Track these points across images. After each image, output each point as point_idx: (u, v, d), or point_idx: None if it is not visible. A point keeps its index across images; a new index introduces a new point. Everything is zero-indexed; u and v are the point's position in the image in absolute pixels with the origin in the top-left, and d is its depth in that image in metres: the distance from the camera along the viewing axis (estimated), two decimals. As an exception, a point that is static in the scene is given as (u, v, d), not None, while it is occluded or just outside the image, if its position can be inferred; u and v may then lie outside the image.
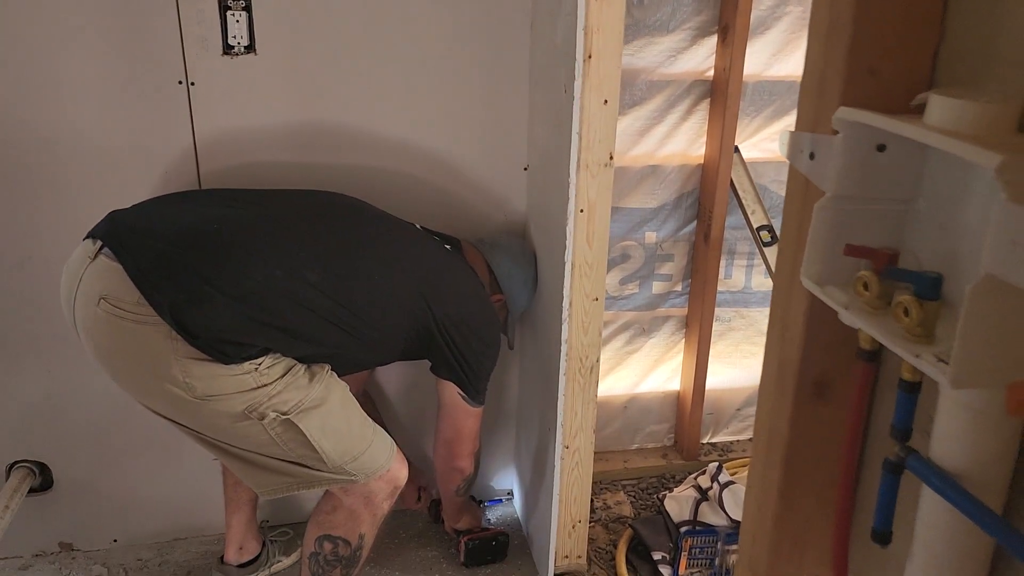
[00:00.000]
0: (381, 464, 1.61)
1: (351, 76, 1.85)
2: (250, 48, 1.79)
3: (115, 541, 2.12)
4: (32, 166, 1.77)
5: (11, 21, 1.66)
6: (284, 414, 1.45)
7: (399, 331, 1.64)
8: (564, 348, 1.79)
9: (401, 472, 1.66)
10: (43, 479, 2.02)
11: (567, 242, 1.71)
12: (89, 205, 1.65)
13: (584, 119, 1.66)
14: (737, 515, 2.07)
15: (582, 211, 1.74)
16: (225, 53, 1.78)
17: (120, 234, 1.44)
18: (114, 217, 1.50)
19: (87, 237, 1.48)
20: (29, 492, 1.98)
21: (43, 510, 2.04)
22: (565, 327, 1.77)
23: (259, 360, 1.43)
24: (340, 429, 1.54)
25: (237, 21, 1.76)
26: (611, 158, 1.71)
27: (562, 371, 1.81)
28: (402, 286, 1.62)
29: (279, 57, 1.80)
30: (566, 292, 1.75)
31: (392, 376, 2.15)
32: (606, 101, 1.67)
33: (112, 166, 1.79)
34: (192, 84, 1.79)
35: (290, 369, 1.48)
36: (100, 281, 1.40)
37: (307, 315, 1.48)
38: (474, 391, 1.80)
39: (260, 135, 1.85)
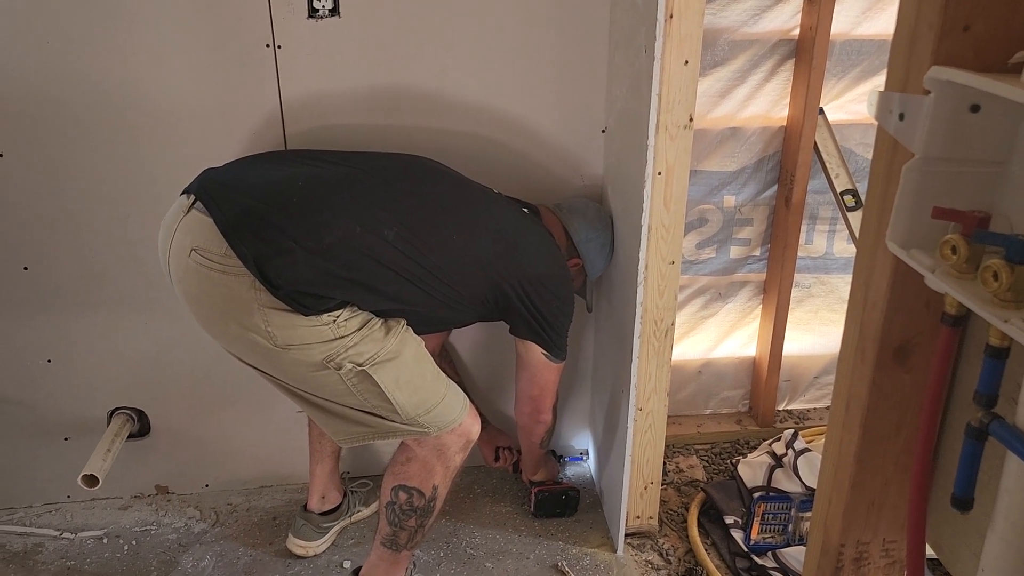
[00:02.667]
0: (453, 418, 1.65)
1: (431, 39, 1.87)
2: (334, 11, 1.82)
3: (207, 486, 2.24)
4: (132, 126, 1.85)
5: (110, -12, 1.74)
6: (360, 365, 1.50)
7: (476, 291, 1.67)
8: (639, 311, 1.79)
9: (473, 427, 1.70)
10: (141, 425, 2.14)
11: (644, 205, 1.70)
12: (184, 164, 1.71)
13: (664, 80, 1.65)
14: (812, 482, 2.05)
15: (660, 174, 1.73)
16: (310, 16, 1.82)
17: (211, 190, 1.50)
18: (207, 174, 1.57)
19: (183, 193, 1.55)
20: (128, 437, 2.10)
21: (141, 455, 2.16)
22: (640, 290, 1.77)
23: (337, 312, 1.49)
24: (413, 382, 1.59)
25: (322, -16, 1.80)
26: (691, 120, 1.69)
27: (636, 334, 1.81)
28: (479, 247, 1.65)
29: (362, 20, 1.83)
30: (642, 255, 1.74)
31: (466, 337, 2.19)
32: (687, 62, 1.65)
33: (204, 126, 1.86)
34: (279, 47, 1.83)
35: (367, 322, 1.53)
36: (192, 233, 1.47)
37: (384, 271, 1.52)
38: (555, 347, 1.83)
39: (343, 98, 1.89)
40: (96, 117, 1.83)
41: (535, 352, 1.82)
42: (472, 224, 1.66)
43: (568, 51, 1.93)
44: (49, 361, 2.04)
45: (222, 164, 1.64)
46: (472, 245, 1.64)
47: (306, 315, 1.45)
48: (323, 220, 1.48)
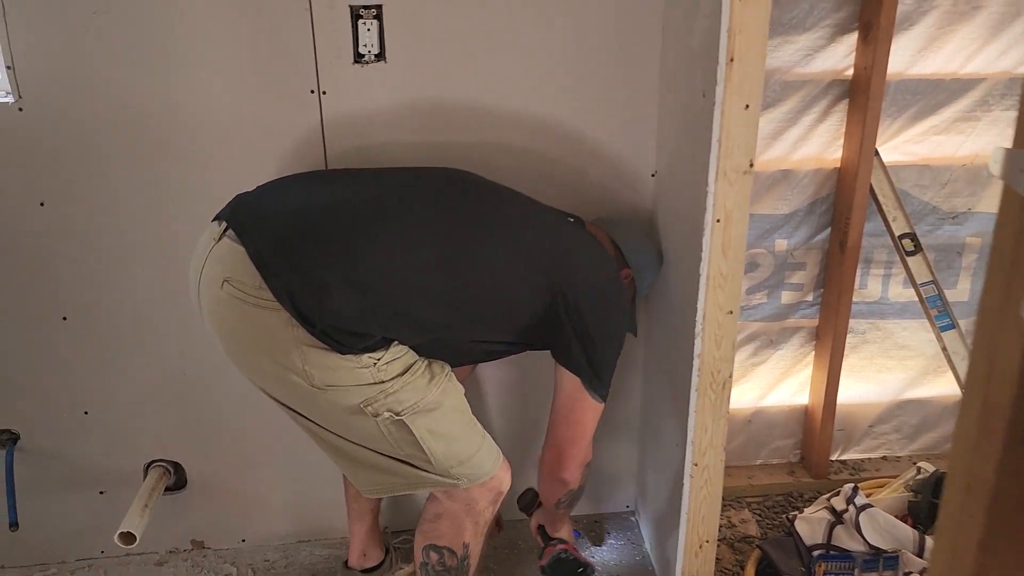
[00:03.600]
0: (487, 471, 1.58)
1: (477, 83, 1.83)
2: (380, 56, 1.79)
3: (243, 541, 2.18)
4: (174, 172, 1.82)
5: (154, 25, 1.71)
6: (398, 414, 1.45)
7: (522, 308, 1.58)
8: (696, 363, 1.72)
9: (505, 480, 1.63)
10: (177, 478, 2.08)
11: (703, 253, 1.64)
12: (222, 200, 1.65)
13: (724, 125, 1.59)
14: (876, 541, 1.95)
15: (719, 221, 1.66)
16: (356, 62, 1.78)
17: (244, 216, 1.45)
18: (239, 199, 1.52)
19: (214, 219, 1.51)
20: (164, 491, 2.04)
21: (177, 509, 2.10)
22: (698, 341, 1.70)
23: (378, 354, 1.43)
24: (450, 433, 1.53)
25: (368, 29, 1.77)
26: (751, 165, 1.63)
27: (693, 386, 1.74)
28: (526, 259, 1.56)
29: (408, 65, 1.80)
30: (700, 305, 1.68)
31: (495, 379, 2.13)
32: (747, 106, 1.59)
33: (251, 172, 1.81)
34: (324, 93, 1.80)
35: (409, 367, 1.47)
36: (223, 262, 1.42)
37: (424, 298, 1.46)
38: (596, 379, 1.67)
39: (389, 145, 1.85)
40: (137, 164, 1.80)
41: (573, 384, 1.68)
42: (516, 234, 1.59)
43: (617, 93, 1.88)
44: (86, 413, 2.00)
45: (255, 187, 1.59)
46: (517, 256, 1.56)
47: (344, 354, 1.39)
48: (359, 247, 1.42)
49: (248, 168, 1.81)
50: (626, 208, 1.97)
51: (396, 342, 1.47)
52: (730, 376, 1.80)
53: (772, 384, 2.36)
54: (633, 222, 1.90)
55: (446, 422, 1.51)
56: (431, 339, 1.52)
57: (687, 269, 1.71)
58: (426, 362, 1.52)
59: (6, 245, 1.84)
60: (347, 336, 1.40)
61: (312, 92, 1.80)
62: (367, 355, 1.42)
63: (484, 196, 1.64)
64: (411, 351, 1.51)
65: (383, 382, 1.43)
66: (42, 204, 1.81)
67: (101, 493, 2.07)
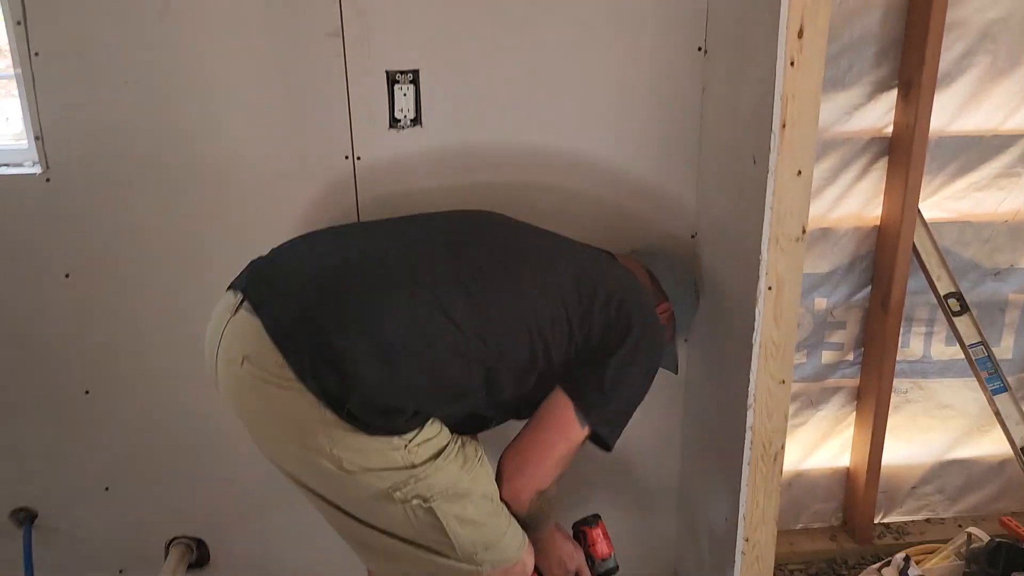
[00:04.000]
0: (511, 556, 1.49)
1: (517, 144, 1.79)
2: (416, 121, 1.74)
3: (268, 619, 2.08)
4: (200, 245, 1.78)
5: (187, 93, 1.68)
6: (427, 500, 1.37)
7: (561, 347, 1.46)
8: (748, 435, 1.65)
9: (529, 563, 1.53)
10: (200, 555, 2.00)
11: (755, 322, 1.58)
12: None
13: (776, 191, 1.54)
14: (932, 615, 1.87)
15: (770, 288, 1.61)
16: (392, 127, 1.74)
17: (259, 285, 1.38)
18: (254, 265, 1.45)
19: (229, 288, 1.43)
20: (187, 568, 1.96)
21: (199, 587, 2.02)
22: (750, 413, 1.64)
23: (409, 436, 1.36)
24: (478, 519, 1.44)
25: (404, 94, 1.73)
26: (803, 232, 1.58)
27: (746, 460, 1.67)
28: (554, 301, 1.45)
29: (445, 129, 1.76)
30: (752, 375, 1.61)
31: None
32: (800, 172, 1.54)
33: (281, 235, 1.77)
34: (358, 159, 1.76)
35: (442, 450, 1.40)
36: (242, 339, 1.35)
37: (453, 360, 1.38)
38: (603, 418, 1.48)
39: (424, 205, 1.80)
40: (167, 234, 1.77)
41: (563, 402, 1.47)
42: (544, 277, 1.48)
43: (654, 151, 1.85)
44: (107, 489, 1.92)
45: (269, 251, 1.50)
46: (546, 298, 1.46)
47: (374, 435, 1.32)
48: (382, 311, 1.34)
49: (282, 235, 1.75)
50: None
51: (429, 421, 1.40)
52: (782, 447, 1.73)
53: (813, 446, 2.29)
54: (671, 252, 1.83)
55: (474, 508, 1.43)
56: (462, 407, 1.45)
57: (737, 337, 1.65)
58: (459, 443, 1.44)
59: (31, 317, 1.79)
60: (376, 415, 1.32)
61: (346, 158, 1.75)
62: (397, 437, 1.35)
63: (510, 239, 1.57)
64: (444, 430, 1.43)
65: (414, 466, 1.36)
66: (67, 276, 1.75)
67: (120, 572, 1.99)
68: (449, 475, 1.39)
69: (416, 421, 1.37)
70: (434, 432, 1.40)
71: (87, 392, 1.84)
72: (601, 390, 1.48)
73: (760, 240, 1.54)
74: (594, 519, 1.77)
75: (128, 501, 1.93)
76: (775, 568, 2.26)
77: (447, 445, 1.41)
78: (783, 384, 1.68)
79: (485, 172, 1.80)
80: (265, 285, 1.38)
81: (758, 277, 1.55)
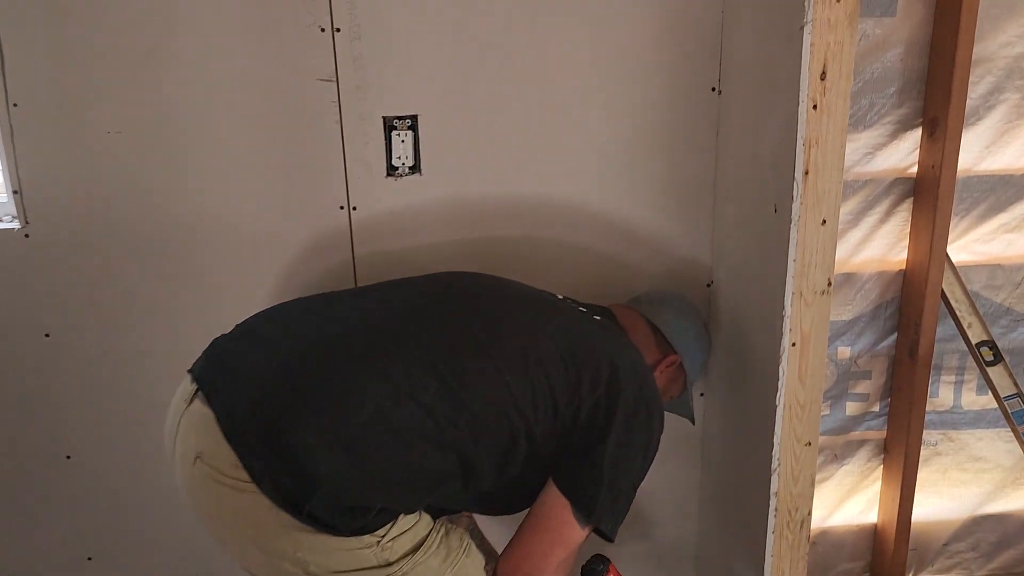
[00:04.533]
0: None
1: (521, 188, 1.71)
2: (415, 169, 1.66)
3: None
4: (185, 302, 1.69)
5: (173, 144, 1.59)
6: None
7: (544, 432, 1.32)
8: (773, 502, 1.54)
9: None
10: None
11: (779, 382, 1.47)
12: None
13: (800, 242, 1.44)
14: None
15: (794, 345, 1.50)
16: (389, 175, 1.65)
17: (214, 372, 1.26)
18: (214, 346, 1.33)
19: (189, 371, 1.30)
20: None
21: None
22: (775, 478, 1.53)
23: (381, 532, 1.22)
24: None
25: (403, 141, 1.64)
26: (829, 284, 1.48)
27: (770, 528, 1.56)
28: (535, 380, 1.32)
29: (445, 177, 1.67)
30: (777, 439, 1.51)
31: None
32: (824, 221, 1.44)
33: (272, 290, 1.68)
34: (354, 209, 1.67)
35: (421, 543, 1.27)
36: (196, 433, 1.22)
37: (424, 446, 1.23)
38: (599, 511, 1.33)
39: (423, 252, 1.71)
40: (151, 291, 1.68)
41: (559, 503, 1.34)
42: (528, 350, 1.33)
43: (668, 201, 1.76)
44: (90, 559, 1.81)
45: (233, 327, 1.38)
46: (526, 377, 1.31)
47: (341, 535, 1.20)
48: (345, 402, 1.21)
49: (273, 291, 1.67)
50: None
51: (402, 514, 1.26)
52: (809, 513, 1.62)
53: (838, 502, 2.16)
54: (674, 298, 1.68)
55: None
56: (437, 497, 1.31)
57: (759, 396, 1.55)
58: (442, 532, 1.32)
59: (8, 377, 1.69)
60: (340, 515, 1.19)
61: (342, 208, 1.66)
62: (368, 534, 1.22)
63: (490, 309, 1.41)
64: (425, 518, 1.31)
65: (390, 564, 1.23)
66: (47, 335, 1.66)
67: (106, 647, 1.87)
68: (430, 571, 1.27)
69: (387, 516, 1.24)
70: (411, 522, 1.27)
71: (68, 457, 1.74)
72: (599, 483, 1.32)
73: (783, 293, 1.43)
74: (603, 564, 1.64)
75: (111, 571, 1.82)
76: (801, 633, 2.13)
77: (427, 536, 1.28)
78: (809, 447, 1.57)
79: (488, 224, 1.71)
80: (220, 371, 1.26)
81: (781, 334, 1.45)
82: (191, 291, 1.67)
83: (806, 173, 1.40)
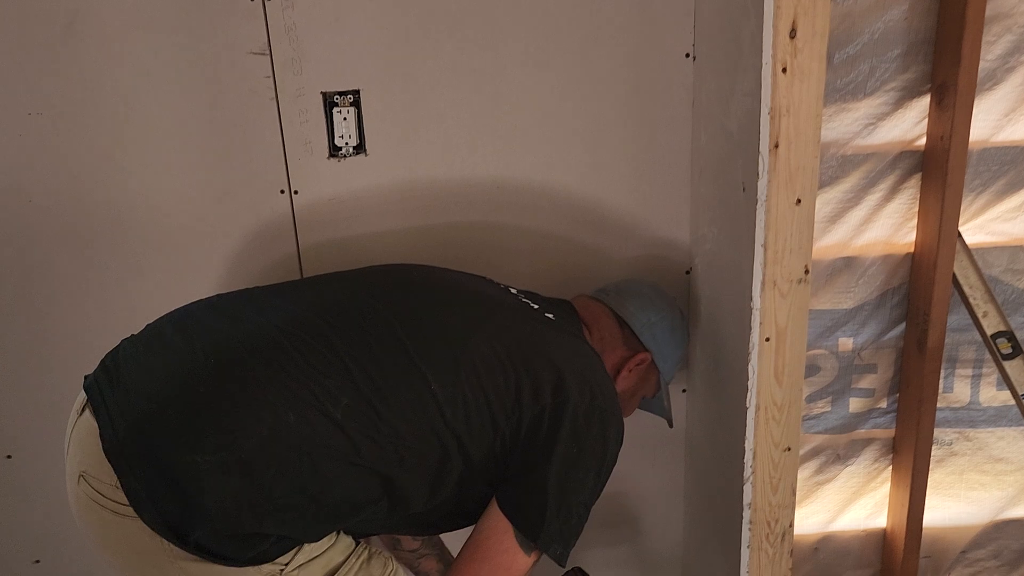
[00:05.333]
0: None
1: (478, 174, 1.56)
2: (360, 148, 1.53)
3: None
4: (130, 290, 1.58)
5: (99, 125, 1.49)
6: None
7: (478, 450, 1.18)
8: (747, 514, 1.39)
9: None
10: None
11: (749, 381, 1.32)
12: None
13: (770, 225, 1.28)
14: None
15: (768, 340, 1.34)
16: (332, 156, 1.53)
17: (103, 383, 1.13)
18: (115, 351, 1.20)
19: (84, 379, 1.19)
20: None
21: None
22: (748, 488, 1.37)
23: (283, 560, 1.09)
24: None
25: (344, 119, 1.51)
26: (806, 272, 1.32)
27: (745, 543, 1.41)
28: (475, 385, 1.17)
29: (393, 157, 1.54)
30: (748, 444, 1.35)
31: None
32: (799, 200, 1.28)
33: (213, 280, 1.58)
34: (295, 193, 1.55)
35: (334, 572, 1.13)
36: (82, 449, 1.10)
37: (333, 468, 1.09)
38: (544, 533, 1.17)
39: (374, 237, 1.58)
40: (81, 282, 1.57)
41: (501, 525, 1.19)
42: (460, 356, 1.18)
43: (641, 176, 1.61)
44: (37, 562, 1.74)
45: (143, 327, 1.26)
46: (459, 388, 1.17)
47: (236, 566, 1.07)
48: (239, 416, 1.07)
49: (214, 281, 1.56)
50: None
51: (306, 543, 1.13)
52: (791, 525, 1.47)
53: (842, 505, 1.99)
54: (644, 288, 1.53)
55: None
56: (357, 523, 1.18)
57: (731, 400, 1.40)
58: (363, 557, 1.17)
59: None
60: (232, 544, 1.06)
61: (282, 192, 1.54)
62: (268, 564, 1.09)
63: (423, 308, 1.25)
64: (342, 541, 1.17)
65: None
66: (-23, 329, 1.58)
67: (59, 652, 1.80)
68: None
69: (289, 543, 1.11)
70: (323, 547, 1.14)
71: (9, 456, 1.66)
72: (544, 505, 1.17)
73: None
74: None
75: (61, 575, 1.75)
76: (800, 647, 1.98)
77: (344, 562, 1.15)
78: (788, 452, 1.41)
79: (441, 209, 1.58)
80: (109, 380, 1.13)
81: (751, 328, 1.29)
82: (124, 281, 1.57)
83: (776, 146, 1.24)
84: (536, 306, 1.37)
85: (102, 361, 1.19)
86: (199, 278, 1.55)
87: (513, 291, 1.41)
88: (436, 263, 1.45)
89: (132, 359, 1.16)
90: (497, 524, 1.19)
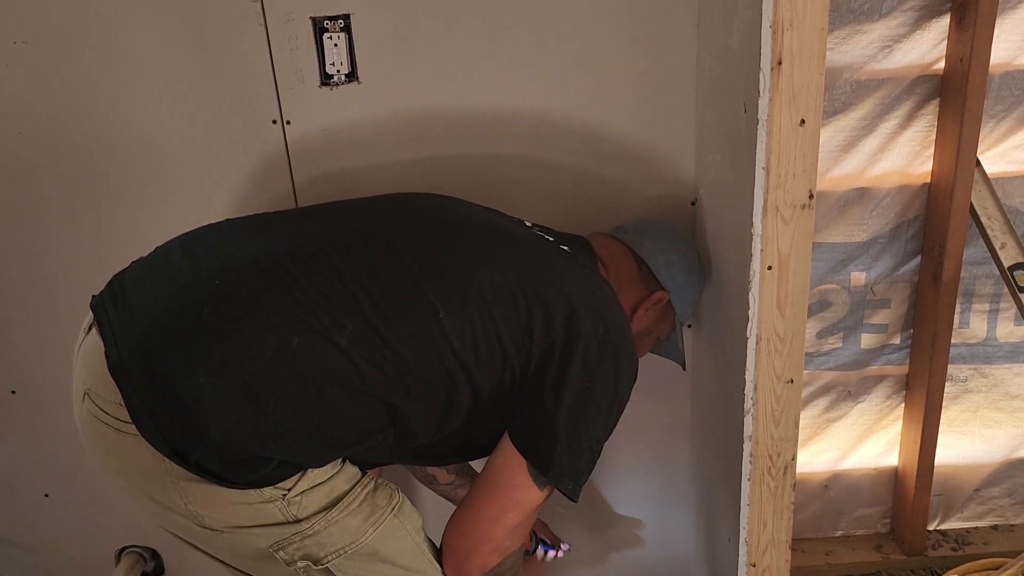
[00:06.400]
0: None
1: (475, 101, 1.52)
2: (352, 76, 1.49)
3: (232, 634, 1.91)
4: (124, 219, 1.57)
5: (87, 54, 1.46)
6: (319, 563, 1.10)
7: (487, 379, 1.16)
8: (747, 446, 1.36)
9: None
10: (155, 565, 1.83)
11: (750, 311, 1.28)
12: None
13: (772, 147, 1.22)
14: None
15: (770, 268, 1.29)
16: (323, 84, 1.49)
17: (109, 303, 1.12)
18: (122, 273, 1.19)
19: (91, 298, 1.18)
20: (141, 578, 1.80)
21: (156, 598, 1.86)
22: (748, 420, 1.34)
23: (285, 485, 1.08)
24: None
25: (336, 45, 1.47)
26: (811, 197, 1.26)
27: (745, 475, 1.38)
28: (484, 314, 1.15)
29: (386, 84, 1.50)
30: (749, 375, 1.32)
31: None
32: (803, 121, 1.22)
33: (206, 212, 1.55)
34: (288, 123, 1.51)
35: (339, 500, 1.11)
36: (87, 367, 1.10)
37: (337, 394, 1.08)
38: (556, 468, 1.16)
39: (370, 169, 1.55)
40: (75, 214, 1.56)
41: (514, 459, 1.18)
42: (467, 285, 1.15)
43: (646, 106, 1.55)
44: (47, 495, 1.76)
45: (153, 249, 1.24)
46: (470, 318, 1.14)
47: (237, 488, 1.06)
48: (243, 338, 1.05)
49: (210, 212, 1.53)
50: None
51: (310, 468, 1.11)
52: (793, 458, 1.43)
53: (853, 443, 1.96)
54: (663, 227, 1.48)
55: (387, 570, 1.15)
56: (362, 451, 1.16)
57: (733, 330, 1.36)
58: (368, 488, 1.16)
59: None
60: (234, 466, 1.05)
61: (274, 122, 1.51)
62: (271, 487, 1.08)
63: (433, 235, 1.22)
64: (346, 470, 1.15)
65: (299, 520, 1.09)
66: (-21, 264, 1.58)
67: (71, 583, 1.84)
68: (347, 530, 1.12)
69: (291, 469, 1.09)
70: (327, 474, 1.12)
71: (13, 392, 1.67)
72: (555, 439, 1.16)
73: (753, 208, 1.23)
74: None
75: (72, 508, 1.77)
76: (807, 583, 1.97)
77: (348, 492, 1.13)
78: (791, 384, 1.37)
79: (438, 140, 1.53)
80: (115, 300, 1.12)
81: (751, 255, 1.25)
82: (120, 213, 1.55)
83: (778, 63, 1.18)
84: (550, 239, 1.34)
85: (109, 282, 1.18)
86: (195, 210, 1.53)
87: (527, 224, 1.37)
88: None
89: (138, 280, 1.15)
90: (510, 459, 1.18)
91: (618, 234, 1.47)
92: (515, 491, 1.19)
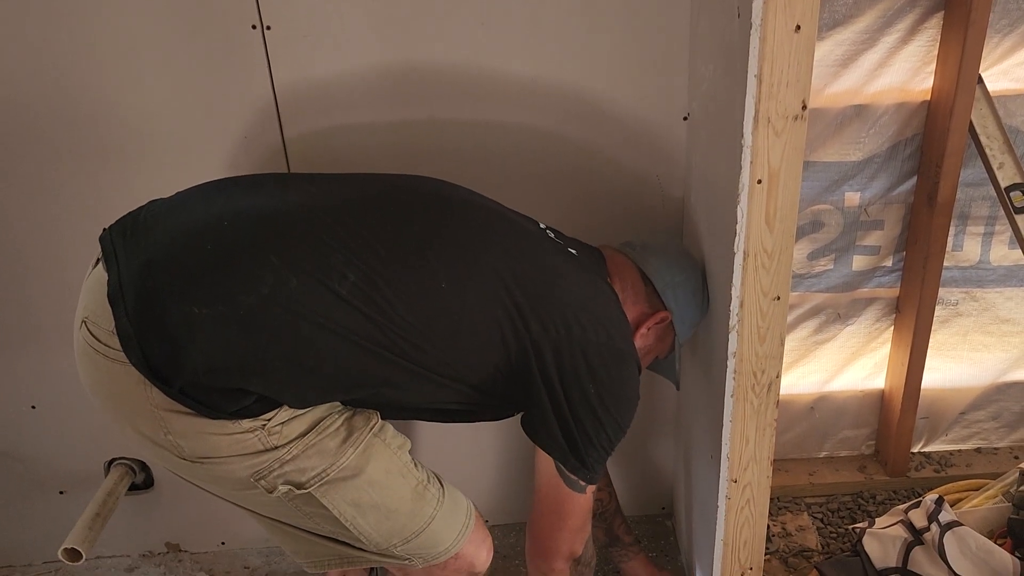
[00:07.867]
0: (445, 548, 1.26)
1: (462, 5, 1.46)
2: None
3: (223, 544, 1.95)
4: (101, 143, 1.53)
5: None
6: (300, 487, 1.11)
7: (482, 361, 1.21)
8: (731, 363, 1.35)
9: (478, 557, 1.31)
10: (145, 476, 1.85)
11: (738, 224, 1.26)
12: (168, 185, 1.29)
13: (765, 55, 1.18)
14: (962, 569, 1.58)
15: (760, 182, 1.26)
16: None
17: (118, 236, 1.13)
18: (137, 211, 1.19)
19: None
20: (131, 489, 1.81)
21: (146, 509, 1.89)
22: (733, 336, 1.33)
23: (267, 416, 1.09)
24: (384, 503, 1.18)
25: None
26: (803, 108, 1.22)
27: (728, 392, 1.38)
28: (485, 293, 1.19)
29: (366, 43, 1.45)
30: (735, 291, 1.30)
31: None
32: (798, 27, 1.17)
33: (185, 137, 1.52)
34: (268, 28, 1.46)
35: (316, 425, 1.13)
36: (87, 297, 1.12)
37: (331, 340, 1.09)
38: (579, 465, 1.29)
39: (352, 89, 1.51)
40: (64, 131, 1.52)
41: (548, 464, 1.29)
42: (474, 260, 1.20)
43: (639, 14, 1.49)
44: (33, 407, 1.77)
45: (174, 193, 1.25)
46: (472, 290, 1.18)
47: (216, 419, 1.07)
48: (242, 270, 1.06)
49: (184, 135, 1.51)
50: (654, 161, 1.60)
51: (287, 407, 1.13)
52: (777, 376, 1.43)
53: (840, 365, 1.96)
54: (670, 245, 1.50)
55: (374, 491, 1.16)
56: (349, 396, 1.17)
57: (720, 245, 1.34)
58: (345, 414, 1.17)
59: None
60: (215, 394, 1.06)
61: (254, 28, 1.46)
62: (249, 420, 1.08)
63: (444, 209, 1.25)
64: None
65: (276, 448, 1.09)
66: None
67: (61, 493, 1.86)
68: (326, 452, 1.13)
69: (269, 404, 1.10)
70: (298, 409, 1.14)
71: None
72: (578, 450, 1.28)
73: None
74: None
75: (59, 420, 1.77)
76: (790, 501, 2.00)
77: (325, 417, 1.14)
78: (778, 301, 1.36)
79: (422, 41, 1.48)
80: (123, 234, 1.13)
81: (740, 168, 1.22)
82: (103, 133, 1.52)
83: (774, -36, 1.13)
84: (560, 241, 1.36)
85: (121, 217, 1.18)
86: (172, 135, 1.52)
87: (541, 225, 1.38)
88: (419, 156, 1.49)
89: (149, 217, 1.16)
90: (549, 477, 1.29)
91: (625, 249, 1.47)
92: (565, 504, 1.33)
